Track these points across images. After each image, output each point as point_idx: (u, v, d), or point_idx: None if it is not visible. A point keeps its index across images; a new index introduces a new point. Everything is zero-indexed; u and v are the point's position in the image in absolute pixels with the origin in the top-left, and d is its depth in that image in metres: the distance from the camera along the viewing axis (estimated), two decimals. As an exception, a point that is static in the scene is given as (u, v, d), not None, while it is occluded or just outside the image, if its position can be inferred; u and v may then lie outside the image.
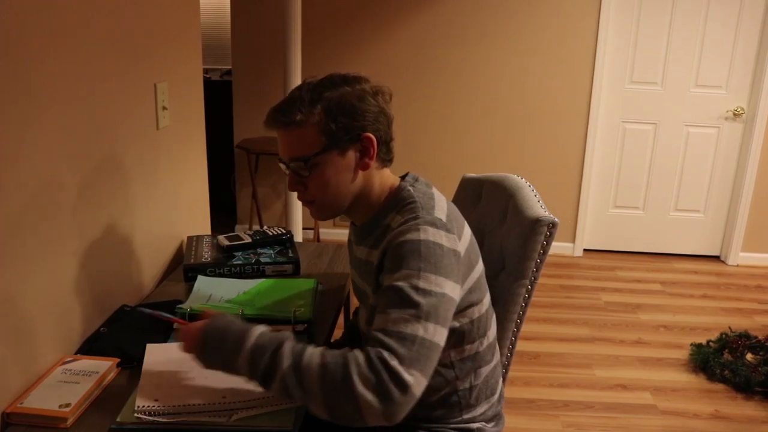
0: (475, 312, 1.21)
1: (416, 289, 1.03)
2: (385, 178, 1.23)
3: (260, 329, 1.07)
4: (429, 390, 1.22)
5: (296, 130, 1.13)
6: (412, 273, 1.04)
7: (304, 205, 1.23)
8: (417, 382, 0.96)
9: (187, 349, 1.11)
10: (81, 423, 1.13)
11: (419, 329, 1.00)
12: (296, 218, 3.14)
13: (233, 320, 1.10)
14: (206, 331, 1.08)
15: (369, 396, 0.93)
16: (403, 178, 1.25)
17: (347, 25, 3.98)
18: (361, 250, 1.26)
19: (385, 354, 0.96)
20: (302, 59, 4.01)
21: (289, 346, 1.02)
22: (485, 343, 1.26)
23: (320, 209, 1.21)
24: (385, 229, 1.17)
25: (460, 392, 1.25)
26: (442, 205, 1.18)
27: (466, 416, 1.28)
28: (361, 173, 1.18)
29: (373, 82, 1.19)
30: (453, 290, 1.08)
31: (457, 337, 1.21)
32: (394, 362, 0.95)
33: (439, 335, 1.02)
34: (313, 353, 1.00)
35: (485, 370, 1.28)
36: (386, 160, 1.21)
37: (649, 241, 4.28)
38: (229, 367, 1.06)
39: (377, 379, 0.94)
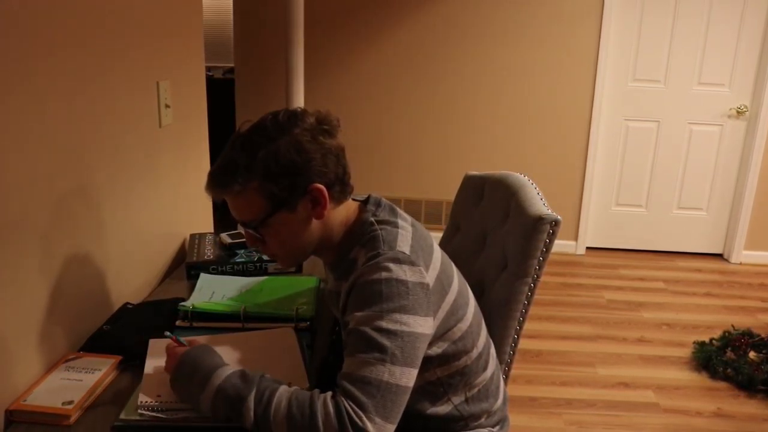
0: (456, 332, 1.18)
1: (381, 330, 1.01)
2: (345, 212, 1.17)
3: (227, 371, 1.04)
4: (424, 405, 1.23)
5: (238, 198, 1.09)
6: (376, 315, 1.02)
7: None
8: (379, 430, 0.97)
9: (167, 369, 1.11)
10: (84, 420, 1.13)
11: (384, 374, 0.99)
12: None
13: (207, 355, 1.08)
14: (182, 360, 1.08)
15: None
16: (365, 202, 1.20)
17: (349, 24, 3.98)
18: (330, 280, 1.25)
19: (351, 406, 0.96)
20: (305, 58, 4.02)
21: (253, 396, 1.00)
22: (473, 356, 1.23)
23: (284, 261, 1.19)
24: (351, 263, 1.13)
25: (458, 406, 1.24)
26: (406, 234, 1.12)
27: (471, 424, 1.27)
28: (317, 221, 1.13)
29: (313, 116, 1.10)
30: (423, 325, 1.05)
31: (441, 359, 1.19)
32: (358, 414, 0.96)
33: (406, 377, 1.01)
34: (279, 403, 0.98)
35: (479, 381, 1.26)
36: (343, 197, 1.15)
37: (652, 239, 4.27)
38: (192, 401, 1.06)
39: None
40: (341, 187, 1.13)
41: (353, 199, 1.21)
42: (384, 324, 1.01)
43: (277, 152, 1.06)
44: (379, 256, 1.06)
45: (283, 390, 1.01)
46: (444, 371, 1.21)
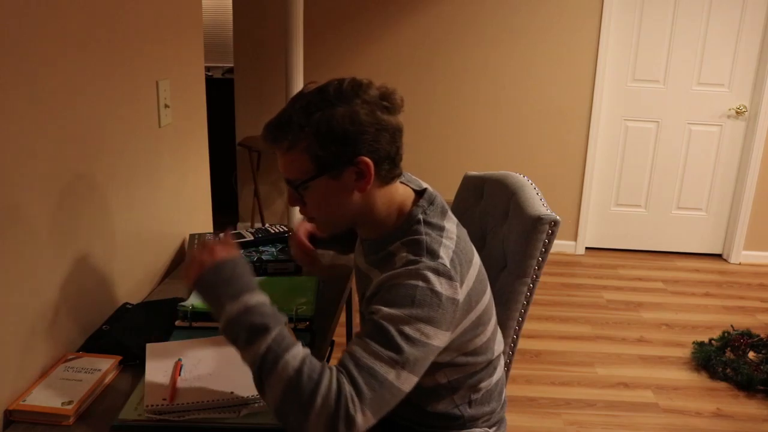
0: (471, 345, 1.18)
1: (402, 334, 1.01)
2: (392, 195, 1.15)
3: (262, 297, 1.03)
4: (427, 402, 1.23)
5: (286, 154, 1.09)
6: (403, 318, 1.01)
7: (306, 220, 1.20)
8: (366, 423, 0.97)
9: (197, 261, 1.07)
10: (83, 420, 1.13)
11: (391, 374, 0.99)
12: (298, 216, 3.15)
13: (246, 271, 1.06)
14: (224, 262, 1.05)
15: (319, 424, 0.94)
16: (421, 193, 1.19)
17: (349, 23, 3.98)
18: (361, 260, 1.24)
19: (350, 392, 0.96)
20: (304, 57, 4.02)
21: (276, 333, 0.99)
22: (485, 364, 1.24)
23: (320, 226, 1.18)
24: (389, 256, 1.13)
25: (460, 407, 1.25)
26: (450, 244, 1.11)
27: (468, 425, 1.28)
28: (359, 194, 1.12)
29: (377, 90, 1.11)
30: (441, 339, 1.05)
31: (453, 366, 1.19)
32: (354, 402, 0.96)
33: (408, 383, 1.02)
34: (296, 355, 0.98)
35: (486, 385, 1.27)
36: (390, 177, 1.14)
37: (651, 239, 4.27)
38: (216, 306, 1.03)
39: (334, 413, 0.94)
40: (390, 167, 1.12)
41: (411, 188, 1.20)
42: (408, 330, 1.01)
43: (332, 118, 1.06)
44: (420, 263, 1.06)
45: (300, 347, 1.01)
46: (454, 374, 1.21)
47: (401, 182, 1.21)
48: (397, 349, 1.00)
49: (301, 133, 1.06)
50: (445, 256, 1.08)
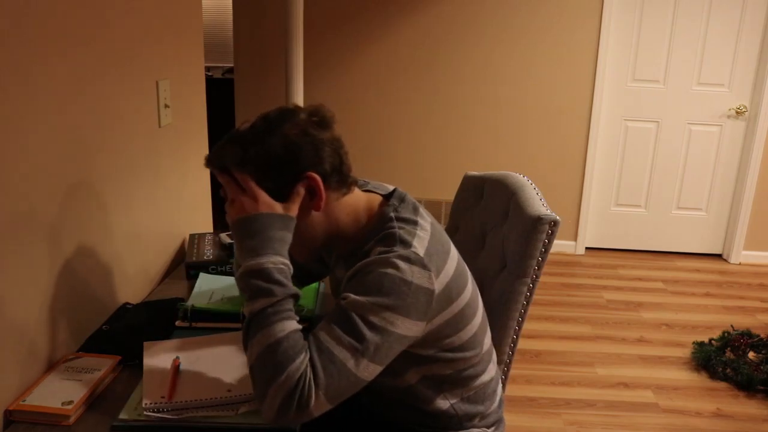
0: (456, 341, 1.17)
1: (366, 322, 1.01)
2: (354, 204, 1.16)
3: (280, 263, 1.04)
4: (420, 400, 1.23)
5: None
6: (369, 306, 1.02)
7: None
8: (319, 407, 1.00)
9: (238, 205, 1.08)
10: (83, 420, 1.13)
11: (350, 361, 1.00)
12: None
13: (278, 231, 1.06)
14: (261, 216, 1.06)
15: (277, 397, 0.97)
16: (389, 196, 1.19)
17: (349, 23, 3.98)
18: (342, 270, 1.24)
19: (309, 377, 0.98)
20: (304, 57, 4.03)
21: (275, 300, 1.01)
22: (473, 361, 1.23)
23: (295, 253, 1.18)
24: (364, 255, 1.13)
25: (454, 405, 1.25)
26: (424, 236, 1.11)
27: (465, 423, 1.28)
28: (317, 212, 1.13)
29: (305, 111, 1.12)
30: (410, 328, 1.05)
31: (439, 360, 1.19)
32: (310, 387, 0.98)
33: (369, 372, 1.02)
34: (284, 328, 1.00)
35: (476, 385, 1.26)
36: (344, 187, 1.14)
37: (651, 239, 4.28)
38: (238, 252, 1.07)
39: (292, 392, 0.97)
40: (339, 178, 1.13)
41: (377, 193, 1.20)
42: (372, 317, 1.02)
43: (266, 150, 1.07)
44: (392, 252, 1.06)
45: (295, 322, 1.03)
46: (443, 370, 1.21)
47: (366, 190, 1.21)
48: (359, 337, 1.01)
49: (242, 170, 1.08)
50: (419, 245, 1.08)
